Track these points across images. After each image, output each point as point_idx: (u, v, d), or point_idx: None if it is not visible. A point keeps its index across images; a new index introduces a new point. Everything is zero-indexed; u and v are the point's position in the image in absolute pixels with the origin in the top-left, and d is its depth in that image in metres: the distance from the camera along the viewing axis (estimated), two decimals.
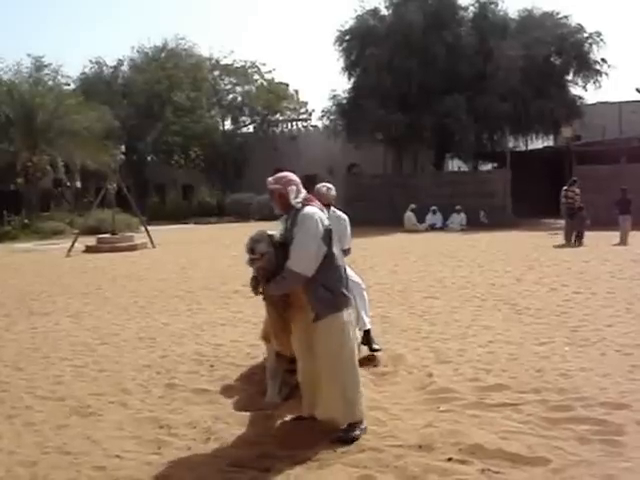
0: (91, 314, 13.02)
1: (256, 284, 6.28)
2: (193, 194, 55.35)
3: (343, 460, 5.61)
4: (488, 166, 48.30)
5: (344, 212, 8.44)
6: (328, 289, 6.02)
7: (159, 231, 34.17)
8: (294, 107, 61.53)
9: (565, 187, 26.43)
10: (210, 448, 6.03)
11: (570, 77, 42.79)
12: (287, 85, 61.22)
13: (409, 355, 8.86)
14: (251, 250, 5.96)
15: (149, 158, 59.88)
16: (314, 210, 6.07)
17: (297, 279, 5.98)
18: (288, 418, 6.63)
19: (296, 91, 62.22)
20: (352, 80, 44.22)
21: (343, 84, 45.40)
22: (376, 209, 36.87)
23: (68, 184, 50.09)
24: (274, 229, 6.33)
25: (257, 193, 49.05)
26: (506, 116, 38.90)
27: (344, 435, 6.06)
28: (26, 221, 39.25)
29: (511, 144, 45.48)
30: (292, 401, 6.99)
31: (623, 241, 24.04)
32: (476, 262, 19.37)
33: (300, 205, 6.09)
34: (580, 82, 42.65)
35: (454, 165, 52.47)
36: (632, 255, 19.71)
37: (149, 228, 30.19)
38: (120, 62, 61.24)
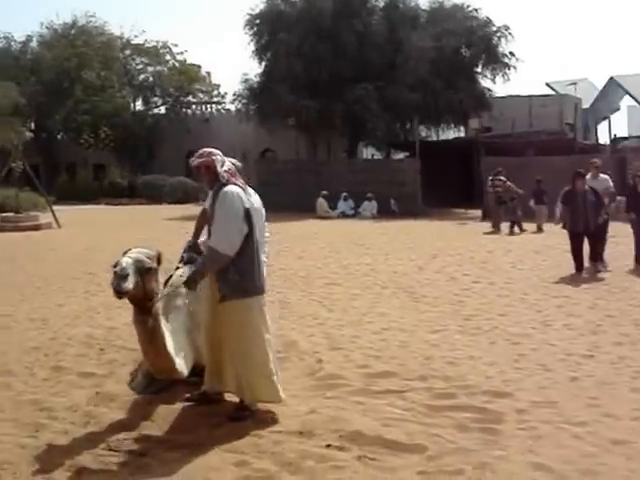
0: None
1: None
2: (104, 174, 54.42)
3: (221, 445, 5.60)
4: (401, 155, 48.67)
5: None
6: (238, 272, 6.01)
7: (67, 211, 33.50)
8: (206, 89, 60.98)
9: (491, 177, 27.09)
10: (88, 432, 5.95)
11: (479, 69, 43.39)
12: (199, 67, 60.69)
13: (302, 341, 8.89)
14: (117, 290, 5.65)
15: (59, 137, 58.71)
16: (235, 189, 6.03)
17: (221, 259, 5.98)
18: (172, 403, 6.58)
19: (208, 73, 61.73)
20: (263, 64, 43.95)
21: (255, 68, 44.89)
22: (289, 195, 36.76)
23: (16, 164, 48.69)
24: (146, 248, 6.19)
25: (169, 175, 48.63)
26: (416, 106, 39.19)
27: (235, 414, 6.14)
28: None
29: (423, 134, 46.00)
30: (176, 388, 6.91)
31: (539, 229, 24.80)
32: (383, 250, 19.50)
33: (225, 180, 6.05)
34: (489, 75, 43.30)
35: (368, 153, 52.77)
36: (535, 246, 20.09)
37: (58, 208, 29.65)
38: (29, 38, 59.94)
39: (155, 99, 60.85)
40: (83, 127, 52.90)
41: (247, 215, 6.01)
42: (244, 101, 45.05)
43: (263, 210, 6.54)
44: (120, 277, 5.64)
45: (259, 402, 6.25)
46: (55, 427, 6.06)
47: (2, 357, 8.35)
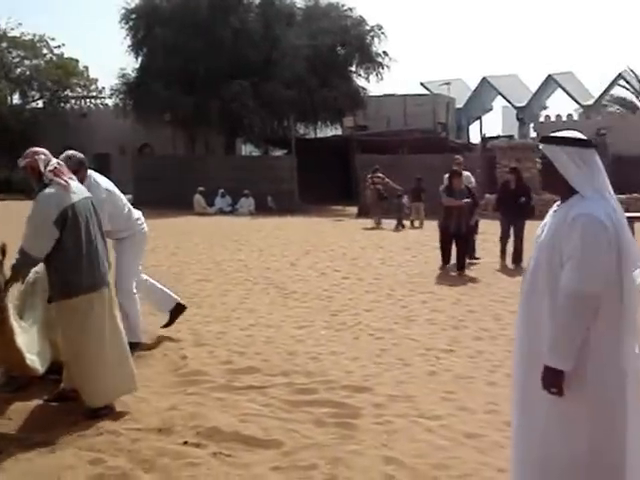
0: None
1: None
2: None
3: (78, 443, 5.50)
4: (279, 152, 48.73)
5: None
6: (57, 274, 5.94)
7: None
8: (84, 84, 59.56)
9: (369, 175, 27.54)
10: None
11: (353, 68, 43.85)
12: (77, 61, 59.19)
13: (168, 338, 8.76)
14: None
15: None
16: (51, 191, 5.88)
17: (28, 260, 5.94)
18: (30, 401, 6.41)
19: (86, 67, 60.24)
20: (140, 59, 43.24)
21: (132, 63, 44.01)
22: (166, 191, 36.28)
23: None
24: None
25: None
26: (292, 103, 39.25)
27: (92, 411, 6.04)
28: None
29: (301, 131, 46.14)
30: (35, 387, 6.73)
31: (419, 225, 25.57)
32: (257, 246, 19.49)
33: (48, 180, 5.92)
34: (363, 73, 43.83)
35: (247, 150, 52.62)
36: (407, 243, 20.41)
37: None
38: None
39: (33, 93, 59.07)
40: None
41: (63, 217, 5.85)
42: (121, 96, 44.25)
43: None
44: None
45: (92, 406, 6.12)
46: None
47: None
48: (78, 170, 7.09)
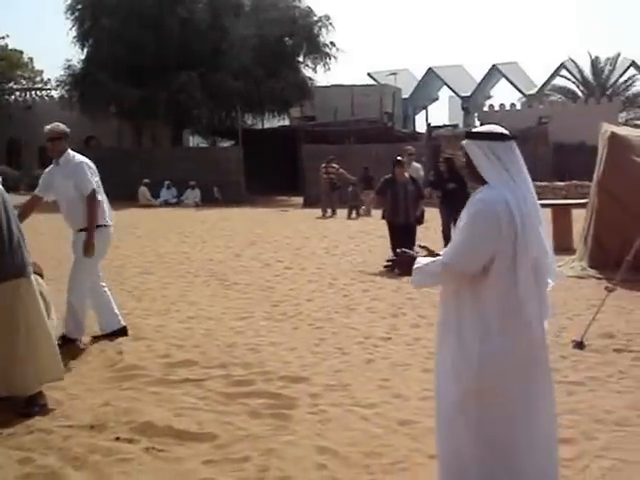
0: None
1: None
2: None
3: (7, 442, 5.38)
4: (227, 143, 48.49)
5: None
6: None
7: None
8: (29, 76, 58.63)
9: (324, 165, 27.62)
10: None
11: (301, 59, 43.73)
12: (21, 52, 58.22)
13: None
14: None
15: None
16: None
17: None
18: None
19: (31, 59, 59.36)
20: (85, 50, 42.63)
21: (78, 54, 43.33)
22: (111, 183, 35.40)
23: None
24: None
25: None
26: (239, 94, 39.05)
27: (24, 410, 5.90)
28: None
29: (249, 122, 45.94)
30: None
31: (367, 213, 25.63)
32: (201, 238, 19.38)
33: None
34: (310, 64, 43.72)
35: (195, 141, 52.27)
36: (351, 232, 20.44)
37: None
38: None
39: None
40: None
41: None
42: (67, 88, 43.58)
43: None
44: None
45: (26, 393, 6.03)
46: None
47: None
48: (58, 139, 7.78)
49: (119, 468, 4.92)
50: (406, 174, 14.32)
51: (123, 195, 33.79)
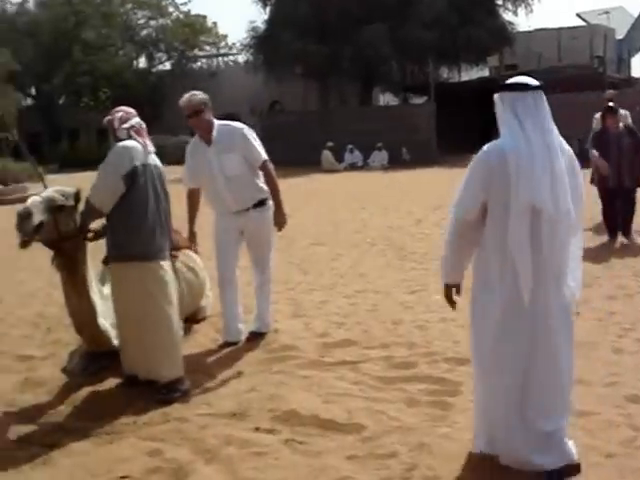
0: None
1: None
2: (107, 139, 53.90)
3: (140, 433, 5.33)
4: (420, 100, 47.95)
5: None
6: (116, 234, 5.85)
7: (68, 179, 33.16)
8: (213, 41, 60.11)
9: None
10: (3, 423, 5.68)
11: (500, 1, 42.41)
12: (204, 17, 59.79)
13: None
14: (21, 230, 5.60)
15: (61, 101, 58.29)
16: (128, 144, 5.84)
17: (92, 212, 5.91)
18: (101, 387, 6.31)
19: (214, 24, 60.91)
20: (268, 10, 43.21)
21: (261, 15, 44.07)
22: (295, 148, 36.27)
23: None
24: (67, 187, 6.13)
25: (174, 134, 48.14)
26: (432, 45, 38.29)
27: (163, 397, 5.87)
28: None
29: (445, 75, 45.16)
30: (109, 372, 6.61)
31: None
32: (383, 203, 19.16)
33: (124, 136, 5.89)
34: (510, 7, 42.33)
35: (385, 99, 52.03)
36: None
37: (59, 177, 29.10)
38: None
39: (159, 55, 60.10)
40: (83, 90, 52.47)
41: (132, 173, 5.76)
42: (251, 51, 44.40)
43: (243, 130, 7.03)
44: (22, 217, 5.59)
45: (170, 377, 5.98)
46: None
47: None
48: (201, 112, 6.95)
49: (252, 463, 4.74)
50: (620, 124, 12.18)
51: (307, 160, 34.21)
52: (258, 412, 5.52)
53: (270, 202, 7.25)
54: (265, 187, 7.23)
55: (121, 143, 5.82)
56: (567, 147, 4.34)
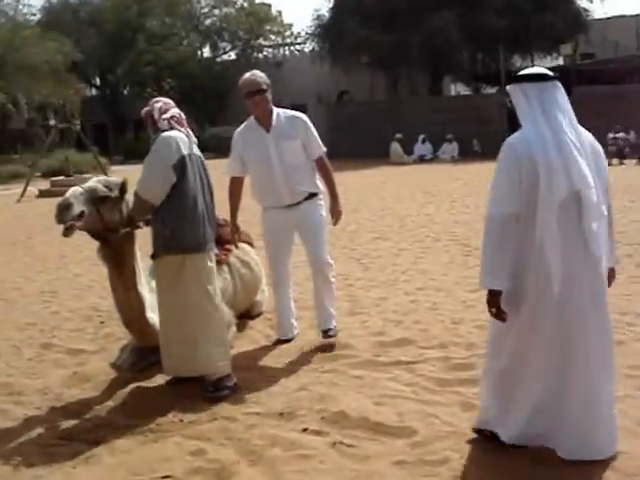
0: (4, 266, 12.72)
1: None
2: None
3: (186, 431, 5.33)
4: (493, 89, 47.41)
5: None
6: (167, 226, 5.79)
7: (132, 171, 33.53)
8: (278, 30, 60.07)
9: (612, 135, 27.07)
10: (49, 418, 5.75)
11: None
12: (269, 6, 59.81)
13: None
14: (60, 220, 5.67)
15: (125, 92, 58.94)
16: (174, 134, 5.82)
17: (142, 205, 5.87)
18: (149, 383, 6.34)
19: (279, 12, 60.79)
20: None
21: (326, 3, 43.99)
22: (362, 140, 36.14)
23: (52, 122, 49.14)
24: (108, 178, 6.28)
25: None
26: (503, 33, 37.84)
27: (210, 394, 5.88)
28: None
29: (518, 64, 44.57)
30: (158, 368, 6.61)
31: None
32: (451, 196, 19.03)
33: (165, 127, 5.87)
34: None
35: (457, 89, 51.55)
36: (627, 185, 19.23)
37: (123, 168, 29.63)
38: None
39: (223, 44, 60.31)
40: (146, 80, 52.92)
41: (181, 163, 5.74)
42: (317, 40, 44.32)
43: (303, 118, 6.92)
44: (62, 207, 5.65)
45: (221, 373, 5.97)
46: (16, 414, 5.86)
47: None
48: (265, 91, 6.75)
49: (296, 466, 4.69)
50: None
51: (375, 152, 34.03)
52: (307, 412, 5.48)
53: (321, 196, 7.15)
54: (318, 182, 7.14)
55: (166, 133, 5.79)
56: (588, 134, 4.45)
